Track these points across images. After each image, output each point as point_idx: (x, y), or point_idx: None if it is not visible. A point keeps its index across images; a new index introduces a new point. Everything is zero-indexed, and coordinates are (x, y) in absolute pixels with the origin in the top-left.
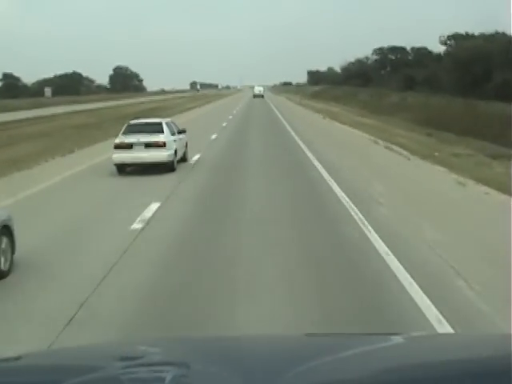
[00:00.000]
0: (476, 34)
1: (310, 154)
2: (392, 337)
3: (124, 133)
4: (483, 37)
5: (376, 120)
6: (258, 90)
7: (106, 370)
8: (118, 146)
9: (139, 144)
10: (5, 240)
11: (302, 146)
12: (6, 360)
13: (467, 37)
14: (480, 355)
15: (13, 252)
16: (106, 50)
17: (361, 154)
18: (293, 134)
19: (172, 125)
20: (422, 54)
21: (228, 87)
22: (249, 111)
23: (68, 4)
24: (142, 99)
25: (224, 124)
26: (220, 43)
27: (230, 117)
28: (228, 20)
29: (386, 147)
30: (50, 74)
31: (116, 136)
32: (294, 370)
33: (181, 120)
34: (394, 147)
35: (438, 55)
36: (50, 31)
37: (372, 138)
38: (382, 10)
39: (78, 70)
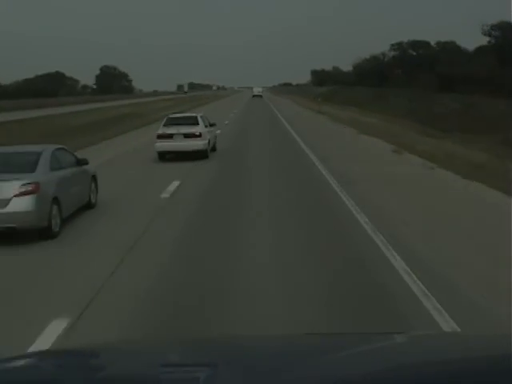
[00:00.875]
0: None
1: None
2: (392, 336)
3: (165, 125)
4: None
5: (477, 150)
6: (256, 90)
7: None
8: (161, 137)
9: (179, 134)
10: (93, 185)
11: None
12: (6, 360)
13: None
14: (480, 355)
15: (97, 192)
16: (96, 50)
17: None
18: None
19: (205, 118)
20: (450, 48)
21: (224, 88)
22: (244, 125)
23: (58, 3)
24: (124, 102)
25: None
26: (217, 43)
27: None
28: (225, 20)
29: None
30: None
31: None
32: (294, 369)
33: (142, 139)
34: None
35: (479, 48)
36: (37, 30)
37: None
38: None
39: (64, 70)
